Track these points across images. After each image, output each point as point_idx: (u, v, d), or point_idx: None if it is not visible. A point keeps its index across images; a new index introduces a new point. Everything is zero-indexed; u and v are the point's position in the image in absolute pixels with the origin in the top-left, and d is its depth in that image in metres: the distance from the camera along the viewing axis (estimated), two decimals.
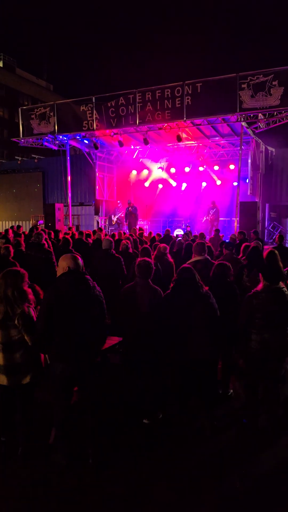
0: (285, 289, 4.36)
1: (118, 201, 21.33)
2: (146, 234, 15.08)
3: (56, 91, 56.36)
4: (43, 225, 17.82)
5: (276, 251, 5.12)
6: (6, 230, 12.59)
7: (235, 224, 14.95)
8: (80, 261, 3.77)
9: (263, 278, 4.36)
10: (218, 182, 20.24)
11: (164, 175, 21.58)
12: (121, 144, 17.27)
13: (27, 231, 14.45)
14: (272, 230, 17.98)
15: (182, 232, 17.37)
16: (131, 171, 22.01)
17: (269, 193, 18.21)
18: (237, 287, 5.19)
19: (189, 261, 6.08)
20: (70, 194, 19.24)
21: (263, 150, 17.14)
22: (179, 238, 12.80)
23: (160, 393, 4.67)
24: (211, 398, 4.59)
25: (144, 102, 14.61)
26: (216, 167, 19.97)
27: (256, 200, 15.90)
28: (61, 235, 11.67)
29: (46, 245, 8.20)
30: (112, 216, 20.27)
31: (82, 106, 16.01)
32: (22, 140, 18.24)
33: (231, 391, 5.11)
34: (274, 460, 3.94)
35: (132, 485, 3.52)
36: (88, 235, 11.78)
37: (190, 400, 4.42)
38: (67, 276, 3.63)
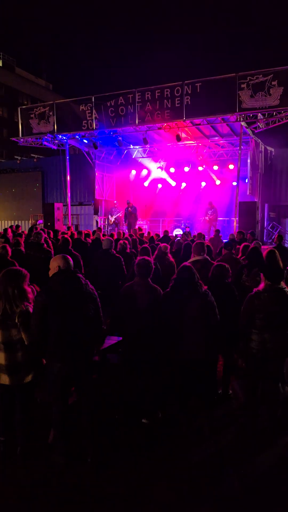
0: (286, 289, 4.35)
1: (115, 201, 21.30)
2: (145, 234, 15.06)
3: (55, 91, 56.32)
4: (43, 225, 17.81)
5: (276, 251, 5.12)
6: (5, 230, 12.59)
7: (235, 224, 14.95)
8: (71, 261, 3.81)
9: (265, 278, 4.35)
10: (218, 182, 20.25)
11: (163, 175, 21.59)
12: (120, 143, 17.26)
13: (26, 231, 14.44)
14: (271, 230, 17.98)
15: (181, 232, 17.37)
16: (130, 171, 22.01)
17: (268, 193, 18.21)
18: (236, 288, 5.19)
19: (188, 261, 6.08)
20: (69, 194, 19.22)
21: (263, 150, 17.14)
22: (178, 238, 12.80)
23: (160, 393, 4.67)
24: (211, 398, 4.60)
25: (143, 101, 14.60)
26: (215, 167, 19.98)
27: (255, 200, 15.91)
28: (59, 235, 11.65)
29: (46, 245, 8.19)
30: (109, 216, 20.23)
31: (82, 106, 15.99)
32: (22, 140, 18.22)
33: (231, 391, 5.10)
34: (273, 460, 3.94)
35: (132, 485, 3.51)
36: (87, 235, 11.77)
37: (190, 400, 4.41)
38: (58, 275, 3.68)
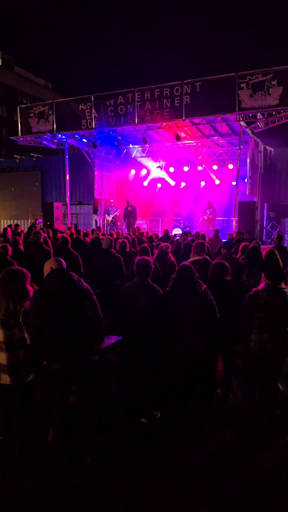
0: (286, 289, 4.35)
1: (112, 200, 21.28)
2: (144, 233, 15.05)
3: (55, 90, 56.26)
4: (42, 224, 17.79)
5: (276, 251, 5.12)
6: (5, 229, 12.58)
7: (234, 223, 14.96)
8: (63, 263, 3.88)
9: (266, 277, 4.35)
10: (217, 182, 20.26)
11: (162, 174, 21.59)
12: (119, 143, 17.25)
13: (26, 230, 14.43)
14: (270, 229, 18.00)
15: (180, 232, 17.36)
16: (129, 170, 22.00)
17: (267, 192, 18.23)
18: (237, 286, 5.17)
19: (187, 261, 6.07)
20: (68, 193, 19.20)
21: (262, 149, 17.14)
22: (177, 238, 12.80)
23: (159, 393, 4.66)
24: (211, 398, 4.59)
25: (143, 101, 14.59)
26: (214, 167, 19.98)
27: (255, 200, 15.92)
28: (58, 234, 11.63)
29: (45, 244, 8.18)
30: (106, 215, 20.20)
31: (81, 105, 15.97)
32: (21, 139, 18.19)
33: (231, 391, 5.10)
34: (273, 460, 3.94)
35: (132, 485, 3.51)
36: (85, 234, 11.76)
37: (190, 400, 4.41)
38: (50, 275, 3.72)
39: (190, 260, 6.24)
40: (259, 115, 13.65)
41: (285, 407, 4.77)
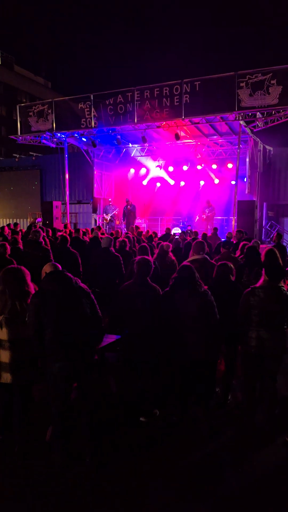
0: (283, 287, 4.36)
1: (110, 199, 21.25)
2: (143, 232, 15.05)
3: (54, 89, 56.22)
4: (41, 223, 17.77)
5: (276, 249, 5.12)
6: (3, 228, 12.57)
7: (233, 223, 14.95)
8: (59, 266, 3.94)
9: (265, 274, 4.36)
10: (216, 181, 20.25)
11: (162, 173, 21.57)
12: (119, 142, 17.23)
13: (25, 229, 14.41)
14: (269, 229, 18.01)
15: (179, 231, 17.36)
16: (129, 170, 21.98)
17: (267, 192, 18.23)
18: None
19: (186, 260, 6.07)
20: (68, 192, 19.17)
21: (261, 149, 17.13)
22: (176, 237, 12.79)
23: (159, 392, 4.66)
24: (210, 398, 4.59)
25: (142, 100, 14.57)
26: (214, 166, 19.97)
27: (254, 199, 15.91)
28: (57, 233, 11.62)
29: (44, 243, 8.18)
30: (104, 214, 20.18)
31: (80, 104, 15.95)
32: (20, 138, 18.16)
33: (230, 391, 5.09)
34: (272, 459, 3.94)
35: (131, 485, 3.50)
36: (85, 233, 11.75)
37: (189, 399, 4.40)
38: (47, 276, 3.75)
39: (189, 259, 6.23)
40: (258, 114, 13.64)
41: (284, 406, 4.77)
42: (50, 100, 17.22)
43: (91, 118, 15.74)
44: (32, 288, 3.93)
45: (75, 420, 3.86)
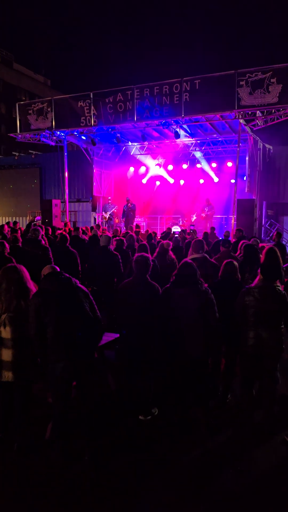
0: (279, 287, 4.36)
1: (109, 197, 21.24)
2: (143, 231, 15.04)
3: (54, 87, 56.14)
4: (40, 221, 17.75)
5: (277, 249, 5.11)
6: (2, 226, 12.56)
7: (232, 221, 14.95)
8: (56, 268, 3.93)
9: (260, 273, 4.36)
10: (216, 179, 20.23)
11: (161, 172, 21.54)
12: (118, 140, 17.20)
13: (24, 227, 14.39)
14: (269, 227, 18.01)
15: (179, 229, 17.36)
16: (128, 168, 21.96)
17: (266, 190, 18.22)
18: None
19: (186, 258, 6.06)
20: (67, 190, 19.14)
21: (261, 147, 17.12)
22: (176, 235, 12.79)
23: (158, 391, 4.65)
24: (210, 397, 4.58)
25: (142, 98, 14.53)
26: (214, 164, 19.95)
27: (254, 198, 15.90)
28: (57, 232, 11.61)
29: (43, 241, 8.17)
30: (104, 212, 20.16)
31: (80, 102, 15.91)
32: (19, 136, 18.12)
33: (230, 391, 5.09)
34: (271, 458, 3.94)
35: (130, 484, 3.50)
36: (84, 232, 11.73)
37: (189, 399, 4.40)
38: (46, 277, 3.77)
39: (188, 258, 6.23)
40: (258, 113, 13.61)
41: (283, 405, 4.78)
42: (50, 98, 17.17)
43: (90, 116, 15.71)
44: (33, 286, 3.94)
45: (74, 419, 3.87)
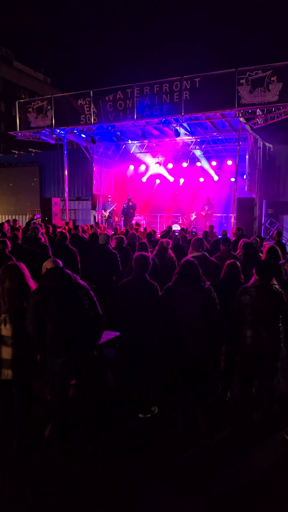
0: (276, 285, 4.35)
1: (109, 196, 21.22)
2: (142, 229, 15.03)
3: (54, 85, 56.01)
4: (40, 219, 17.73)
5: (278, 247, 5.09)
6: (2, 224, 12.53)
7: (232, 220, 14.94)
8: (60, 263, 3.90)
9: (255, 272, 4.35)
10: (216, 178, 20.21)
11: (161, 170, 21.52)
12: (118, 138, 17.17)
13: (24, 225, 14.38)
14: (269, 226, 17.99)
15: (179, 228, 17.34)
16: (128, 166, 21.94)
17: (266, 189, 18.20)
18: None
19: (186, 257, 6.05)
20: (67, 189, 19.12)
21: (261, 146, 17.09)
22: (176, 234, 12.77)
23: (158, 390, 4.65)
24: (210, 396, 4.57)
25: (142, 96, 14.51)
26: (213, 163, 19.93)
27: (254, 196, 15.88)
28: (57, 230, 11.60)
29: (43, 239, 8.15)
30: (103, 211, 20.13)
31: (80, 100, 15.88)
32: (19, 134, 18.09)
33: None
34: (270, 456, 3.93)
35: (130, 483, 3.50)
36: (84, 230, 11.72)
37: (189, 397, 4.39)
38: (47, 273, 3.75)
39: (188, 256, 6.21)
40: (258, 111, 13.59)
41: (283, 403, 4.77)
42: (50, 96, 17.14)
43: (90, 115, 15.68)
44: (33, 284, 3.93)
45: (74, 418, 3.86)
